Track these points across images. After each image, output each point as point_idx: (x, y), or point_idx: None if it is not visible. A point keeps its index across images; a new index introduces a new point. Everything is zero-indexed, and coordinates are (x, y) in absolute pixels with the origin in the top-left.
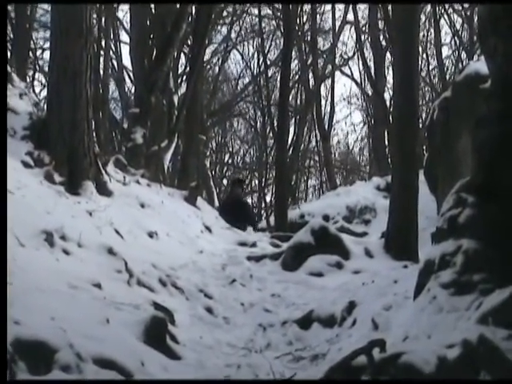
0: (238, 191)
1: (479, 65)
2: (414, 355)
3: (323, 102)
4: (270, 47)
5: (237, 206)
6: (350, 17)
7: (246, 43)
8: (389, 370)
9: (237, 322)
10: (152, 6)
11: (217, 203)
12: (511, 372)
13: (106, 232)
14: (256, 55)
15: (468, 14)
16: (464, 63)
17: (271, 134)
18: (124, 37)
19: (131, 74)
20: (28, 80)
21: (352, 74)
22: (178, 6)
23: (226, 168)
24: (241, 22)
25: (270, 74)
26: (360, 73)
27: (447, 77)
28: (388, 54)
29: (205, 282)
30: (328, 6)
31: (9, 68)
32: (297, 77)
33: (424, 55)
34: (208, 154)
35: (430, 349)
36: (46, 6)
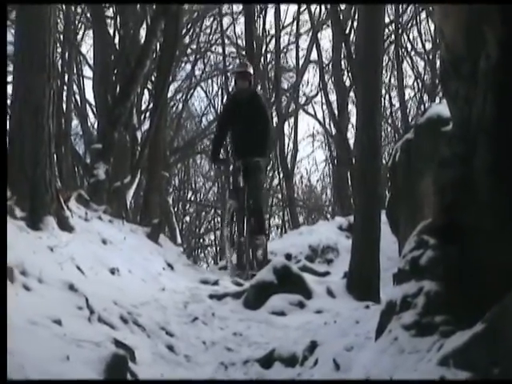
0: (244, 85)
1: (441, 107)
2: None
3: (286, 140)
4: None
5: (248, 109)
6: (314, 56)
7: (209, 81)
8: None
9: (198, 361)
10: (116, 41)
11: (179, 240)
12: None
13: (68, 268)
14: (220, 92)
15: (430, 57)
16: (426, 105)
17: None
18: (87, 72)
19: (94, 109)
20: None
21: (315, 112)
22: (142, 42)
23: (188, 205)
24: (205, 60)
25: None
26: (323, 112)
27: (410, 118)
28: (351, 94)
29: (166, 320)
30: (292, 45)
31: None
32: None
33: (387, 96)
34: (171, 190)
35: None
36: (10, 38)
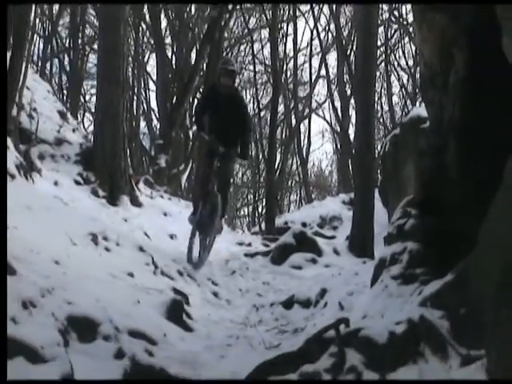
0: (229, 82)
1: (420, 110)
2: (371, 330)
3: (302, 137)
4: (262, 95)
5: (228, 104)
6: (323, 72)
7: (244, 92)
8: (352, 341)
9: (236, 304)
10: (173, 62)
11: None
12: (444, 344)
13: (138, 234)
14: (251, 100)
15: (412, 71)
16: (409, 109)
17: (262, 160)
18: (151, 85)
19: (157, 114)
20: (79, 118)
21: (324, 115)
22: (193, 63)
23: None
24: (240, 76)
25: (262, 115)
26: (330, 115)
27: (396, 119)
28: (352, 101)
29: (212, 273)
30: (306, 64)
31: (64, 109)
32: (282, 117)
33: (379, 102)
34: None
35: (382, 325)
36: (94, 60)
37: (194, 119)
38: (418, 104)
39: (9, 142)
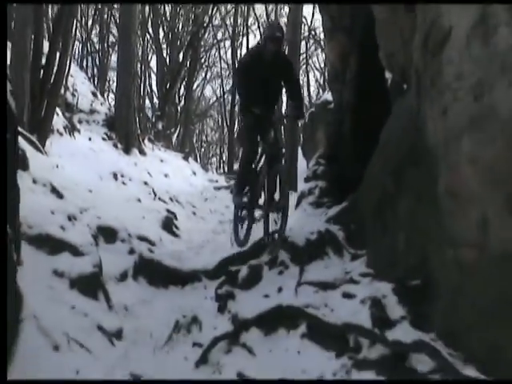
0: (275, 48)
1: (328, 96)
2: (295, 238)
3: None
4: (226, 83)
5: (272, 69)
6: None
7: (214, 81)
8: (282, 245)
9: (208, 219)
10: (167, 61)
11: (199, 160)
12: (340, 247)
13: (143, 174)
14: (220, 87)
15: (323, 70)
16: (321, 95)
17: (226, 126)
18: (153, 76)
19: (157, 95)
20: (105, 96)
21: None
22: (180, 61)
23: (203, 142)
24: (212, 70)
25: (225, 97)
26: None
27: (313, 101)
28: None
29: (192, 200)
30: None
31: (95, 90)
32: None
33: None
34: (194, 135)
35: (302, 235)
36: (115, 58)
37: (238, 83)
38: (326, 92)
39: (58, 111)
